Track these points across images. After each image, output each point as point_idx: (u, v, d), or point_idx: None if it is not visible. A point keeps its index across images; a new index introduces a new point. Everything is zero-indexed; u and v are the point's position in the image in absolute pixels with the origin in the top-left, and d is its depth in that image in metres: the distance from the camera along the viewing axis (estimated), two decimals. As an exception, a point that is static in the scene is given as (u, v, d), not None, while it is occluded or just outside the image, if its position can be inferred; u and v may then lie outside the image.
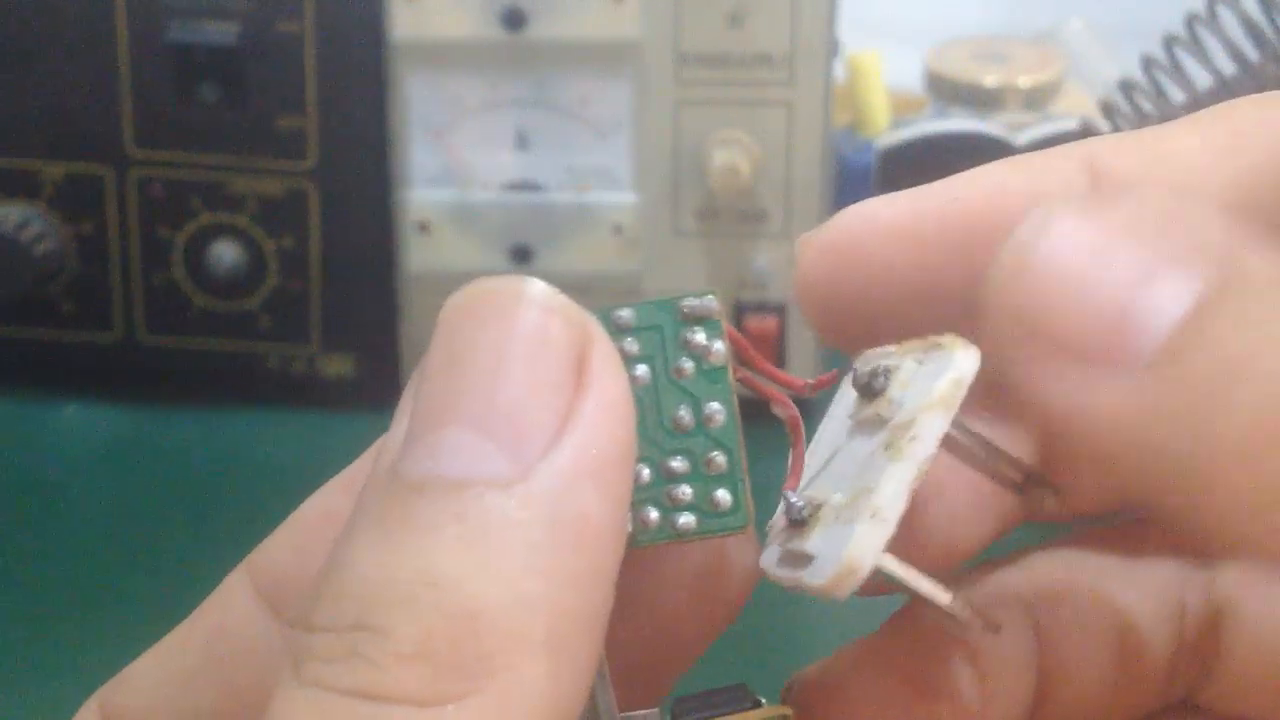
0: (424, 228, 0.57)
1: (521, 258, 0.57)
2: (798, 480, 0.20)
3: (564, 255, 0.57)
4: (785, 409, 0.20)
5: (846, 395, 0.21)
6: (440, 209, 0.57)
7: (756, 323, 0.58)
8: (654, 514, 0.19)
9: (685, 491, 0.19)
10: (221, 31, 0.56)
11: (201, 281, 0.58)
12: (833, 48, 0.56)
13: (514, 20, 0.55)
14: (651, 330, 0.19)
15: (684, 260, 0.58)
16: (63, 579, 0.49)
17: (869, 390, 0.19)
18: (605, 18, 0.55)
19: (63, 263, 0.58)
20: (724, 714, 0.19)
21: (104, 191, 0.58)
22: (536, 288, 0.17)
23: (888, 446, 0.18)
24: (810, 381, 0.21)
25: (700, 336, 0.19)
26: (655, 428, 0.19)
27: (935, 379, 0.18)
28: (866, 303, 0.20)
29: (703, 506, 0.19)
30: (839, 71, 0.60)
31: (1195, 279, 0.16)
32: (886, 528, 0.18)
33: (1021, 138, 0.63)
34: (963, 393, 0.18)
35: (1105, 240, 0.17)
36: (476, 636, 0.15)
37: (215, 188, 0.57)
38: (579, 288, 0.63)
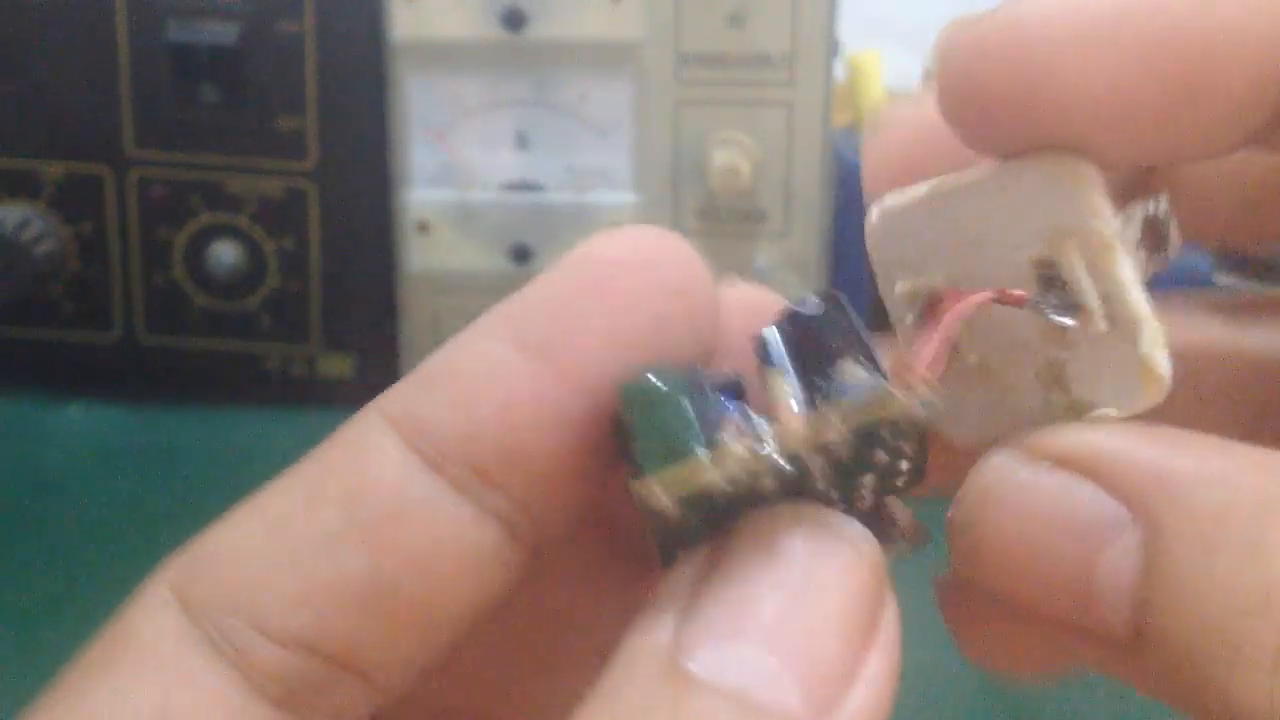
0: (424, 228, 0.57)
1: (521, 258, 0.57)
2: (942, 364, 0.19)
3: (564, 255, 0.57)
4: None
5: (1010, 204, 0.19)
6: (440, 209, 0.57)
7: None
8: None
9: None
10: (221, 31, 0.56)
11: (201, 281, 0.58)
12: (833, 48, 0.56)
13: (514, 20, 0.55)
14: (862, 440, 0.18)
15: (684, 260, 0.58)
16: (63, 579, 0.49)
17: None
18: (605, 18, 0.55)
19: (63, 263, 0.58)
20: None
21: (104, 191, 0.58)
22: (856, 529, 0.17)
23: (1090, 262, 0.18)
24: (991, 296, 0.19)
25: (885, 456, 0.18)
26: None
27: (1123, 391, 0.18)
28: (1035, 119, 0.18)
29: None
30: (839, 71, 0.60)
31: (1134, 539, 0.16)
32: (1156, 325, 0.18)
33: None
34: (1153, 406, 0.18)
35: (1047, 511, 0.17)
36: None
37: (215, 188, 0.57)
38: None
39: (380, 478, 0.18)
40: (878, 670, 0.16)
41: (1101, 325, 0.18)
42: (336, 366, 0.59)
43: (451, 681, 0.21)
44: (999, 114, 0.18)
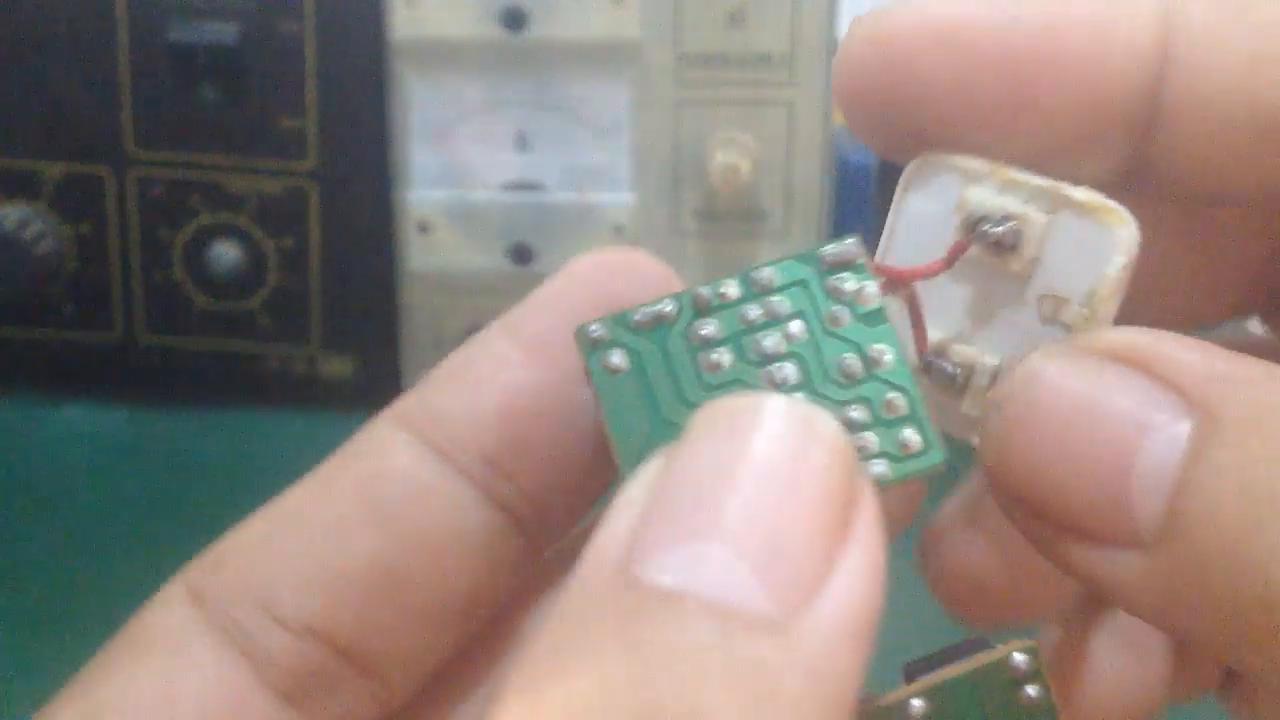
0: (424, 228, 0.57)
1: (521, 258, 0.57)
2: (925, 344, 0.20)
3: (564, 255, 0.57)
4: (907, 292, 0.20)
5: (926, 211, 0.20)
6: (440, 209, 0.57)
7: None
8: None
9: (870, 440, 0.18)
10: (221, 31, 0.56)
11: (201, 281, 0.58)
12: (833, 48, 0.56)
13: (514, 20, 0.55)
14: (796, 285, 0.19)
15: (684, 260, 0.58)
16: (63, 579, 0.49)
17: (998, 247, 0.19)
18: (605, 18, 0.55)
19: (63, 263, 0.58)
20: (967, 659, 0.18)
21: (104, 191, 0.58)
22: (830, 426, 0.16)
23: (1067, 326, 0.18)
24: (942, 263, 0.20)
25: (849, 283, 0.19)
26: (824, 382, 0.18)
27: (1096, 252, 0.18)
28: (907, 105, 0.19)
29: (893, 452, 0.18)
30: (839, 71, 0.60)
31: (1184, 429, 0.16)
32: None
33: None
34: (1129, 274, 0.18)
35: (1088, 396, 0.17)
36: None
37: (215, 188, 0.57)
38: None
39: (392, 466, 0.18)
40: (858, 565, 0.15)
41: (1040, 218, 0.19)
42: (337, 367, 0.59)
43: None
44: (878, 114, 0.19)
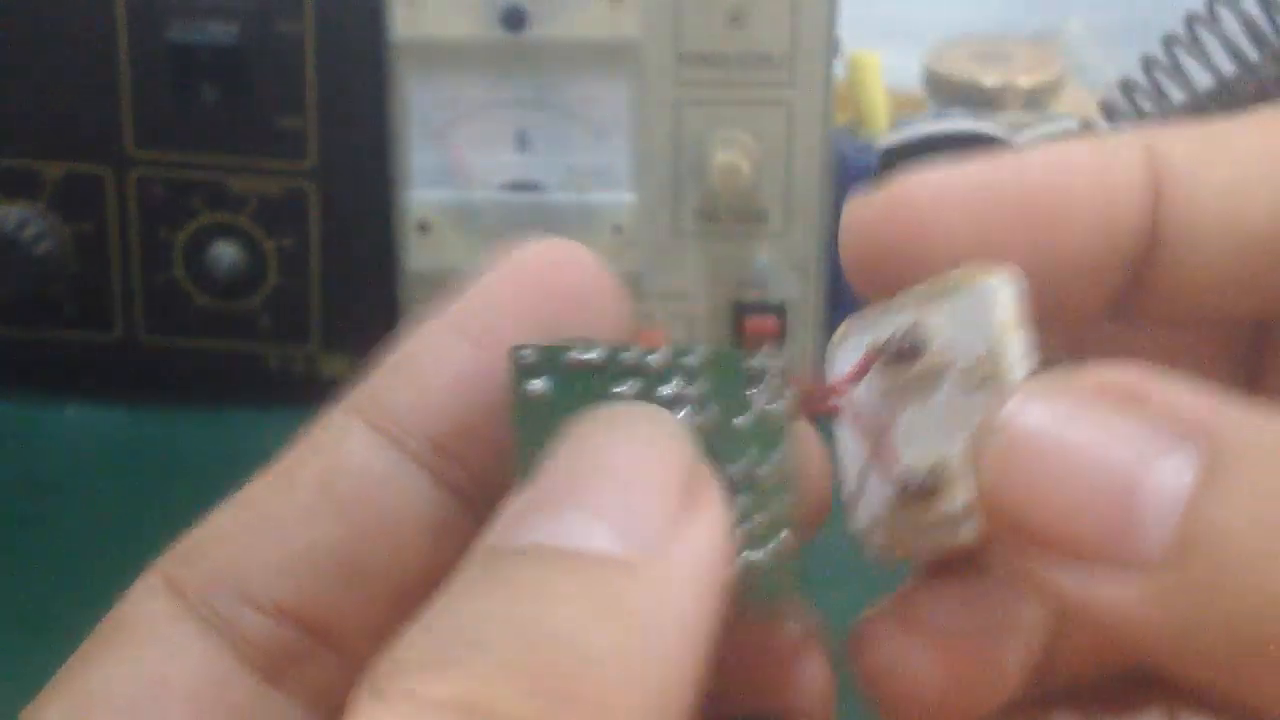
0: (424, 228, 0.57)
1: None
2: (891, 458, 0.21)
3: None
4: (832, 411, 0.21)
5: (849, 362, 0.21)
6: (440, 209, 0.57)
7: (756, 323, 0.58)
8: None
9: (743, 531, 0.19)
10: (221, 31, 0.56)
11: (201, 281, 0.58)
12: (833, 48, 0.56)
13: (514, 20, 0.55)
14: (715, 381, 0.20)
15: (684, 260, 0.58)
16: (63, 579, 0.49)
17: (906, 355, 0.20)
18: (605, 18, 0.55)
19: (63, 263, 0.58)
20: None
21: (104, 191, 0.58)
22: (672, 422, 0.18)
23: (985, 381, 0.19)
24: (849, 377, 0.21)
25: (761, 397, 0.20)
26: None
27: (985, 311, 0.19)
28: (917, 268, 0.21)
29: (756, 564, 0.19)
30: (839, 71, 0.60)
31: (1190, 458, 0.17)
32: None
33: (1021, 138, 0.63)
34: (1024, 305, 0.19)
35: (1088, 425, 0.17)
36: (585, 680, 0.15)
37: (215, 188, 0.57)
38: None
39: (350, 457, 0.20)
40: (702, 530, 0.17)
41: (930, 316, 0.20)
42: (336, 366, 0.59)
43: None
44: (894, 276, 0.21)
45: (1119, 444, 0.17)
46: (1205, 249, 0.21)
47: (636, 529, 0.17)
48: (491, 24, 0.55)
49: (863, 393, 0.21)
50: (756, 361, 0.20)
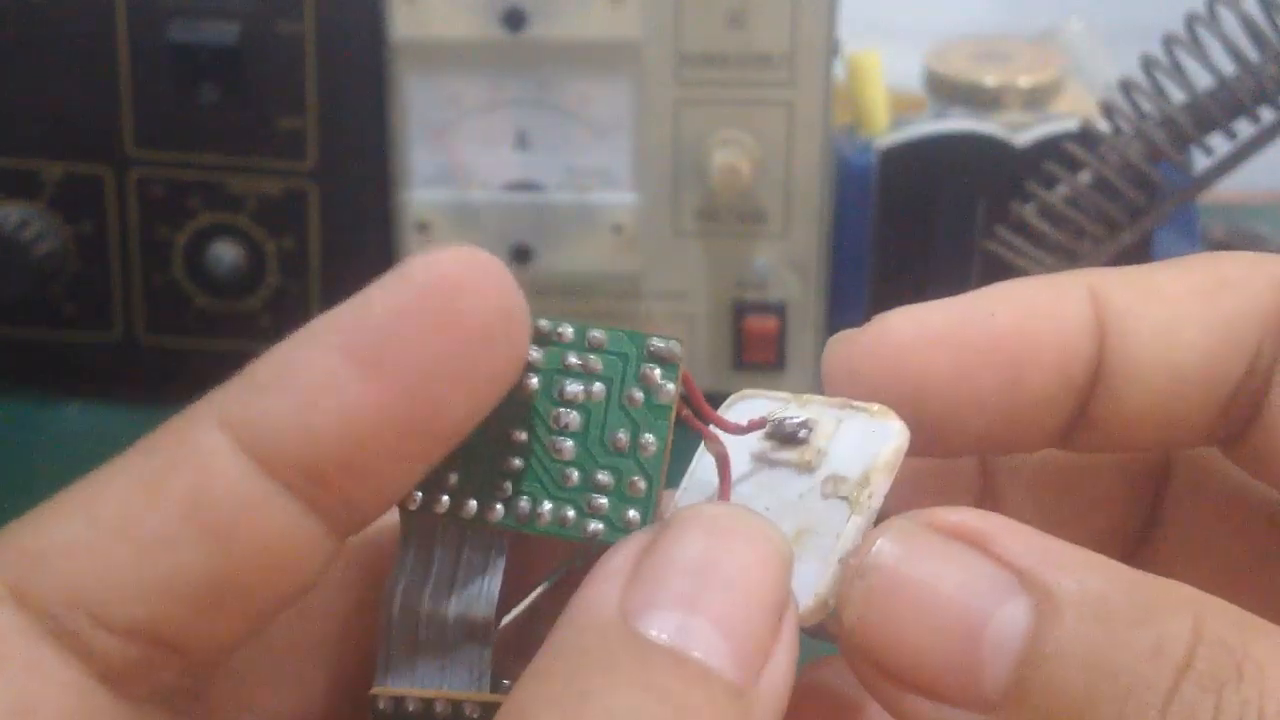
0: (424, 228, 0.57)
1: (521, 258, 0.57)
2: (729, 495, 0.22)
3: (564, 255, 0.57)
4: (717, 446, 0.22)
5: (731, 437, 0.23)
6: (440, 209, 0.57)
7: (756, 323, 0.58)
8: (571, 513, 0.21)
9: (603, 503, 0.21)
10: (221, 31, 0.56)
11: (201, 281, 0.58)
12: (833, 48, 0.56)
13: (514, 20, 0.55)
14: (617, 356, 0.21)
15: (684, 260, 0.58)
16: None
17: (791, 439, 0.22)
18: (605, 18, 0.55)
19: (63, 263, 0.58)
20: None
21: (104, 191, 0.58)
22: (785, 543, 0.20)
23: (845, 498, 0.21)
24: (743, 424, 0.23)
25: (657, 374, 0.21)
26: (595, 441, 0.21)
27: (874, 442, 0.21)
28: (895, 401, 0.22)
29: (616, 522, 0.21)
30: (839, 71, 0.60)
31: (1025, 605, 0.19)
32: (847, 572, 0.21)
33: (1021, 138, 0.63)
34: (901, 460, 0.21)
35: (941, 568, 0.19)
36: None
37: (215, 188, 0.57)
38: (579, 288, 0.63)
39: (220, 480, 0.19)
40: (786, 653, 0.19)
41: (828, 420, 0.22)
42: (336, 366, 0.59)
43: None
44: (871, 398, 0.22)
45: (966, 590, 0.19)
46: (1141, 384, 0.23)
47: (747, 654, 0.19)
48: (491, 24, 0.55)
49: (735, 440, 0.23)
50: (659, 343, 0.21)
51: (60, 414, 0.60)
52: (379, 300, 0.20)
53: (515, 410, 0.21)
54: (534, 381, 0.21)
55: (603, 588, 0.19)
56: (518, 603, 0.23)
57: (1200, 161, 0.53)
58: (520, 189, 0.57)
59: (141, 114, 0.57)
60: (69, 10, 0.56)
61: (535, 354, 0.21)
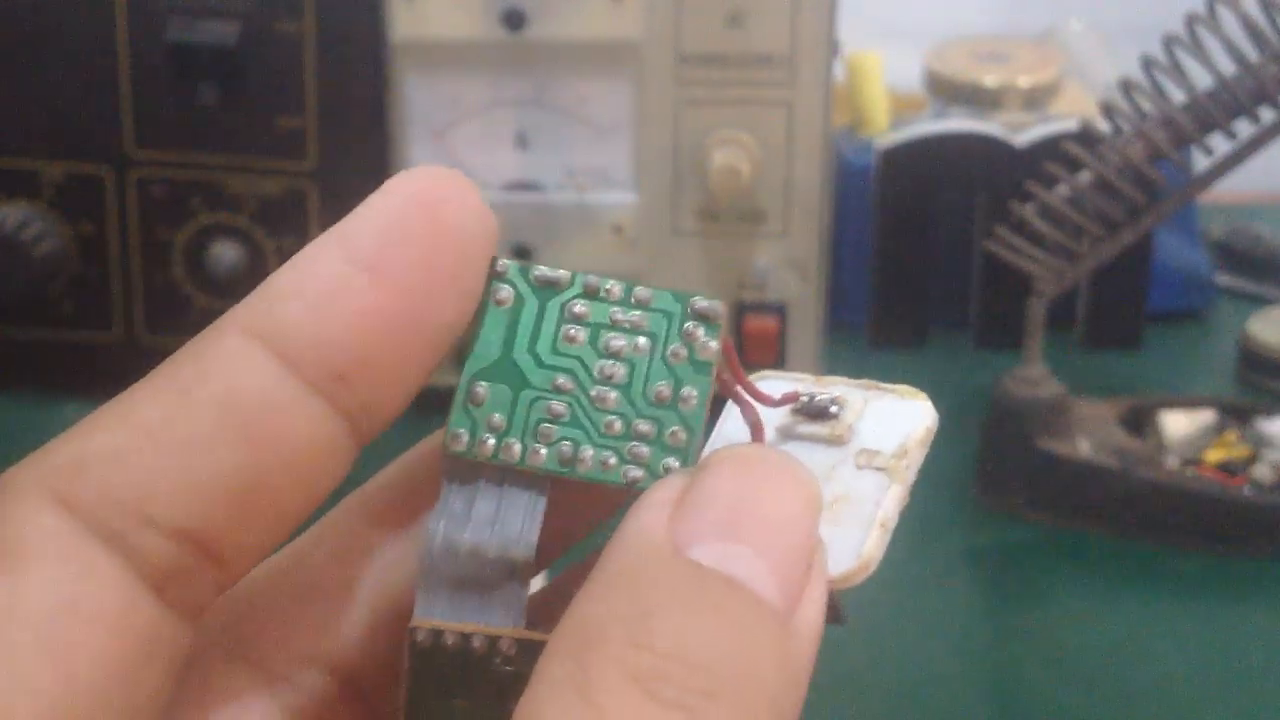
0: (424, 228, 0.57)
1: (521, 258, 0.57)
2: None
3: (564, 255, 0.57)
4: (751, 413, 0.23)
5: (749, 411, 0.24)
6: (440, 209, 0.57)
7: (756, 323, 0.58)
8: (613, 459, 0.22)
9: (644, 451, 0.22)
10: (221, 31, 0.56)
11: (201, 281, 0.58)
12: (833, 48, 0.56)
13: (514, 20, 0.55)
14: (662, 314, 0.22)
15: (684, 260, 0.58)
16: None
17: (821, 414, 0.23)
18: (605, 18, 0.55)
19: (63, 263, 0.58)
20: None
21: (104, 191, 0.58)
22: (815, 484, 0.21)
23: (882, 469, 0.22)
24: (776, 397, 0.23)
25: (701, 332, 0.22)
26: (638, 393, 0.22)
27: (905, 420, 0.23)
28: None
29: (654, 468, 0.22)
30: (839, 71, 0.60)
31: None
32: (888, 537, 0.21)
33: (1021, 138, 0.63)
34: (932, 437, 0.22)
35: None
36: (717, 698, 0.18)
37: (215, 188, 0.57)
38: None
39: (251, 383, 0.20)
40: (817, 591, 0.20)
41: (858, 398, 0.23)
42: (336, 366, 0.59)
43: None
44: None
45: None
46: None
47: (790, 582, 0.20)
48: (491, 24, 0.55)
49: (763, 413, 0.23)
50: (704, 302, 0.22)
51: (60, 414, 0.60)
52: (374, 213, 0.22)
53: (561, 359, 0.22)
54: (579, 332, 0.22)
55: (651, 516, 0.20)
56: (552, 549, 0.23)
57: (1200, 161, 0.53)
58: (520, 189, 0.57)
59: (141, 114, 0.57)
60: (69, 10, 0.56)
61: (581, 306, 0.22)
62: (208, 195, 0.58)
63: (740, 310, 0.58)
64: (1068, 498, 0.53)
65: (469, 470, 0.22)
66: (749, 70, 0.56)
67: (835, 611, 0.21)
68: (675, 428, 0.22)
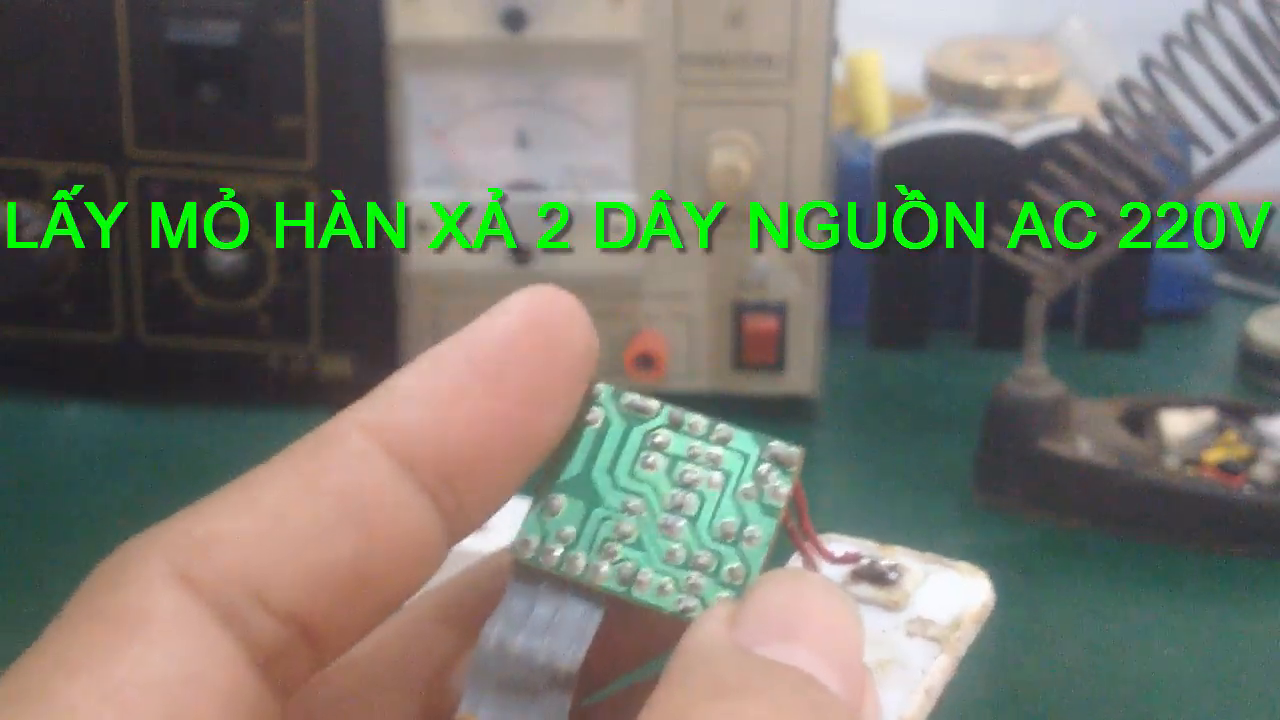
0: (424, 228, 0.57)
1: (521, 258, 0.57)
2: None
3: (564, 255, 0.57)
4: (811, 565, 0.24)
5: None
6: (440, 209, 0.57)
7: (756, 323, 0.58)
8: (670, 585, 0.22)
9: (700, 582, 0.22)
10: (221, 31, 0.56)
11: (201, 281, 0.58)
12: (833, 48, 0.56)
13: (514, 20, 0.55)
14: (739, 454, 0.23)
15: (684, 260, 0.58)
16: (63, 579, 0.49)
17: (880, 578, 0.24)
18: (605, 18, 0.55)
19: (63, 263, 0.58)
20: None
21: (104, 191, 0.58)
22: (857, 610, 0.22)
23: (935, 639, 0.23)
24: (838, 556, 0.24)
25: (774, 475, 0.23)
26: (705, 525, 0.23)
27: (962, 595, 0.23)
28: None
29: (707, 600, 0.22)
30: (839, 71, 0.60)
31: None
32: (930, 705, 0.22)
33: (1021, 138, 0.63)
34: (988, 615, 0.23)
35: None
36: None
37: (215, 188, 0.57)
38: (579, 288, 0.63)
39: (370, 479, 0.21)
40: (875, 698, 0.21)
41: (918, 569, 0.24)
42: (336, 366, 0.59)
43: None
44: None
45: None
46: None
47: (852, 684, 0.20)
48: (491, 24, 0.55)
49: (823, 566, 0.24)
50: (780, 447, 0.23)
51: (60, 414, 0.60)
52: (495, 327, 0.23)
53: (636, 483, 0.23)
54: (657, 459, 0.23)
55: (710, 624, 0.21)
56: (599, 673, 0.24)
57: (1200, 161, 0.53)
58: (520, 189, 0.57)
59: (141, 114, 0.57)
60: (69, 10, 0.56)
61: (663, 435, 0.23)
62: (208, 195, 0.58)
63: (740, 310, 0.58)
64: (1068, 498, 0.53)
65: (534, 577, 0.23)
66: (749, 70, 0.56)
67: None
68: (734, 564, 0.22)
